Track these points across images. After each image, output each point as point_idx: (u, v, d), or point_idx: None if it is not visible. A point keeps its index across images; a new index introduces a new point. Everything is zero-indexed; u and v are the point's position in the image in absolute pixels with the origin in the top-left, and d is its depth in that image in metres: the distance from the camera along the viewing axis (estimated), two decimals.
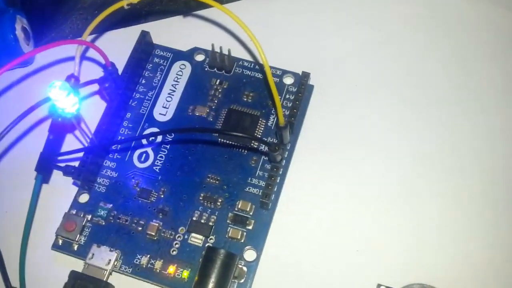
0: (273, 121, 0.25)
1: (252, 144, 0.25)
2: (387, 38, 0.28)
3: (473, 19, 0.28)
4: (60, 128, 0.23)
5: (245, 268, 0.23)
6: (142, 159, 0.26)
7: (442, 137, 0.26)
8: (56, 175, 0.26)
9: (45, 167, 0.23)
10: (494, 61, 0.27)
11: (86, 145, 0.25)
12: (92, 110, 0.25)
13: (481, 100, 0.26)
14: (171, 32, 0.29)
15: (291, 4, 0.29)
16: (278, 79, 0.27)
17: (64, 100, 0.20)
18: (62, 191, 0.26)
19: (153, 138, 0.26)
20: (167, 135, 0.26)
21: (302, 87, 0.26)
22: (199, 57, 0.28)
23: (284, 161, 0.25)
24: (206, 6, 0.26)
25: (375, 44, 0.28)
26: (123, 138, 0.26)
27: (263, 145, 0.24)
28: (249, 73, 0.27)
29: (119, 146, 0.26)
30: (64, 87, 0.20)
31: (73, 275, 0.23)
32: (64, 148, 0.26)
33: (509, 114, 0.26)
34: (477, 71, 0.27)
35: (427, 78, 0.27)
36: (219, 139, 0.26)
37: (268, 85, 0.22)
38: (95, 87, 0.26)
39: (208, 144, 0.26)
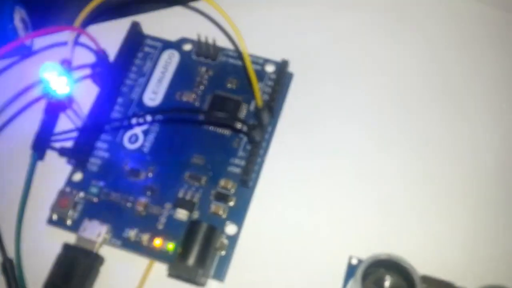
0: (254, 105, 0.27)
1: (234, 127, 0.26)
2: (367, 28, 0.30)
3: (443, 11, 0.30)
4: (55, 109, 0.24)
5: (226, 241, 0.25)
6: (133, 140, 0.27)
7: (419, 117, 0.27)
8: (51, 155, 0.27)
9: (40, 145, 0.25)
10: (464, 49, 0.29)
11: (79, 126, 0.26)
12: (85, 95, 0.27)
13: (456, 85, 0.28)
14: (161, 23, 0.30)
15: None
16: (260, 67, 0.28)
17: (56, 81, 0.22)
18: (56, 170, 0.26)
19: (143, 121, 0.27)
20: (156, 118, 0.27)
21: (281, 73, 0.27)
22: (187, 47, 0.29)
23: (263, 142, 0.26)
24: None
25: (354, 33, 0.30)
26: (114, 119, 0.27)
27: (245, 127, 0.26)
28: (233, 62, 0.28)
29: (110, 128, 0.27)
30: (56, 68, 0.22)
31: (66, 247, 0.25)
32: (59, 129, 0.27)
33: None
34: (451, 59, 0.29)
35: (406, 65, 0.29)
36: (205, 123, 0.27)
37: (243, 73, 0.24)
38: (88, 72, 0.27)
39: (193, 127, 0.27)
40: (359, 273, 0.22)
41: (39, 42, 0.30)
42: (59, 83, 0.22)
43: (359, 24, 0.30)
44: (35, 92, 0.25)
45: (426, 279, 0.23)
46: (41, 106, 0.26)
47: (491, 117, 0.27)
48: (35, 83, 0.22)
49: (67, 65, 0.23)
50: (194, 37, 0.29)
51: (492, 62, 0.28)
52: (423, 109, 0.27)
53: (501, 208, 0.25)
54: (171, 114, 0.27)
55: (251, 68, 0.23)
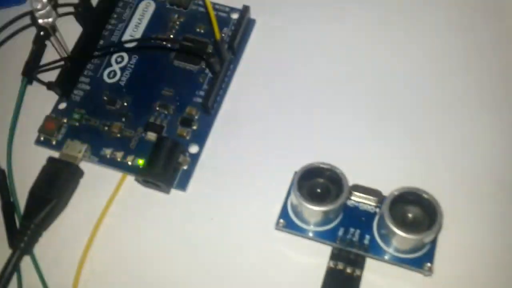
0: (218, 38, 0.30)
1: (197, 54, 0.30)
2: None
3: None
4: (42, 40, 0.28)
5: (188, 159, 0.28)
6: (111, 75, 0.31)
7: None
8: (40, 86, 0.30)
9: (30, 73, 0.29)
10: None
11: (64, 58, 0.29)
12: (69, 31, 0.30)
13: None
14: None
15: None
16: (226, 15, 0.32)
17: (44, 11, 0.26)
18: (44, 99, 0.30)
19: (120, 59, 0.31)
20: (131, 52, 0.31)
21: (242, 18, 0.31)
22: None
23: (224, 76, 0.30)
24: None
25: None
26: (95, 55, 0.31)
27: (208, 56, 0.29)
28: (202, 10, 0.32)
29: (92, 64, 0.31)
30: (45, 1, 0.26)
31: (50, 159, 0.28)
32: (46, 59, 0.30)
33: None
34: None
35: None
36: (174, 60, 0.31)
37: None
38: (72, 10, 0.30)
39: (165, 63, 0.31)
40: (294, 179, 0.26)
41: None
42: (46, 11, 0.26)
43: None
44: (24, 21, 0.29)
45: (356, 187, 0.27)
46: (30, 35, 0.30)
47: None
48: (25, 12, 0.26)
49: (53, 0, 0.27)
50: None
51: None
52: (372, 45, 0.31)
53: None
54: (146, 47, 0.30)
55: (209, 5, 0.27)
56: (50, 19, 0.26)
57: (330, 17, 0.32)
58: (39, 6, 0.25)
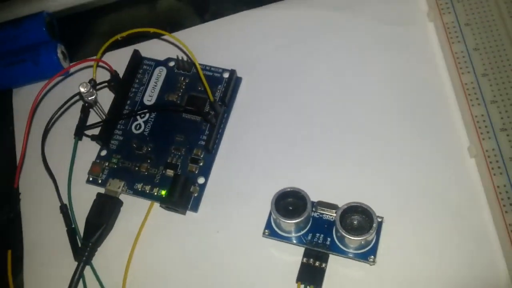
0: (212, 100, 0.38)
1: (198, 114, 0.39)
2: (298, 40, 0.42)
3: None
4: (87, 109, 0.38)
5: (198, 188, 0.37)
6: (137, 127, 0.40)
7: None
8: (87, 140, 0.39)
9: (79, 133, 0.38)
10: None
11: (102, 119, 0.39)
12: (106, 100, 0.39)
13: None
14: (153, 49, 0.42)
15: (227, 25, 0.43)
16: (219, 75, 0.40)
17: (88, 92, 0.35)
18: (90, 149, 0.39)
19: (143, 113, 0.40)
20: (151, 112, 0.40)
21: (231, 78, 0.39)
22: (171, 64, 0.41)
23: (220, 124, 0.38)
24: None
25: (290, 46, 0.42)
26: (124, 114, 0.40)
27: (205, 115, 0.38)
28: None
29: (123, 120, 0.40)
30: (87, 85, 0.35)
31: (99, 195, 0.37)
32: (91, 121, 0.40)
33: None
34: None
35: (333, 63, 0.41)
36: (181, 112, 0.39)
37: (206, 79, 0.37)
38: (106, 85, 0.40)
39: (176, 117, 0.39)
40: (272, 201, 0.34)
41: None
42: (89, 94, 0.35)
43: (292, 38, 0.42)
44: (74, 99, 0.38)
45: (319, 202, 0.35)
46: (79, 107, 0.39)
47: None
48: (75, 94, 0.35)
49: (93, 82, 0.37)
50: (175, 56, 0.41)
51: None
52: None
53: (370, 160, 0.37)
54: (160, 108, 0.39)
55: (203, 77, 0.36)
56: (92, 97, 0.36)
57: (298, 71, 0.40)
58: (84, 90, 0.35)
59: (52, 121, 0.36)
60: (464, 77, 0.37)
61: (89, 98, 0.35)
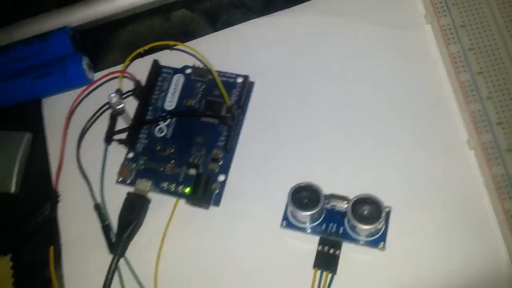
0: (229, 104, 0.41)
1: (216, 118, 0.41)
2: (305, 45, 0.45)
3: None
4: (115, 116, 0.41)
5: (219, 185, 0.40)
6: (160, 131, 0.42)
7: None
8: (115, 144, 0.42)
9: (109, 138, 0.42)
10: None
11: (129, 125, 0.42)
12: (131, 106, 0.42)
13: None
14: (171, 57, 0.45)
15: (238, 33, 0.46)
16: (233, 80, 0.43)
17: (116, 100, 0.39)
18: (119, 153, 0.42)
19: (166, 118, 0.42)
20: (173, 117, 0.42)
21: (245, 83, 0.42)
22: (188, 71, 0.44)
23: (237, 125, 0.41)
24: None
25: (298, 50, 0.45)
26: (148, 119, 0.43)
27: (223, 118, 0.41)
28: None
29: (147, 125, 0.43)
30: (116, 95, 0.38)
31: (129, 194, 0.40)
32: (118, 127, 0.42)
33: None
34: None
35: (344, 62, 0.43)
36: (202, 118, 0.42)
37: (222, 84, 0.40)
38: (131, 93, 0.43)
39: (196, 121, 0.42)
40: (289, 195, 0.37)
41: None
42: (117, 101, 0.38)
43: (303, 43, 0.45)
44: (103, 108, 0.42)
45: (331, 195, 0.38)
46: (107, 115, 0.42)
47: None
48: (105, 104, 0.39)
49: (119, 92, 0.40)
50: (192, 64, 0.44)
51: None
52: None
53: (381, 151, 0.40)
54: (180, 113, 0.42)
55: (219, 83, 0.39)
56: (120, 106, 0.39)
57: (306, 74, 0.43)
58: (113, 100, 0.38)
59: (86, 128, 0.39)
60: (461, 75, 0.40)
61: (118, 107, 0.38)
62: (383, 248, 0.36)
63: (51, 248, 0.39)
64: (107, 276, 0.38)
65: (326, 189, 0.37)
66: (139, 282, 0.38)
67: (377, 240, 0.36)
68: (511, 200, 0.36)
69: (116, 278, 0.38)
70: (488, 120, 0.38)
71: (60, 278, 0.40)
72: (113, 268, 0.38)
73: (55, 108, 0.46)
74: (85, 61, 0.45)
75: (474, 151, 0.39)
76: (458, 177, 0.38)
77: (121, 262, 0.39)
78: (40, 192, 0.44)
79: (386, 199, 0.36)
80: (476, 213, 0.37)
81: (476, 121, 0.38)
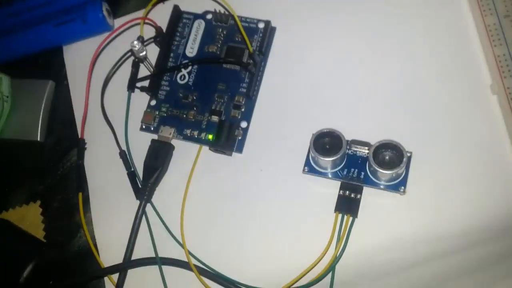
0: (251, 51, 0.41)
1: (239, 64, 0.41)
2: None
3: None
4: (138, 63, 0.41)
5: (241, 131, 0.41)
6: (182, 78, 0.43)
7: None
8: (137, 92, 0.43)
9: (132, 86, 0.42)
10: None
11: (151, 73, 0.42)
12: (152, 54, 0.42)
13: None
14: (192, 3, 0.44)
15: None
16: (255, 25, 0.42)
17: (139, 49, 0.38)
18: (142, 100, 0.42)
19: (187, 66, 0.42)
20: (194, 64, 0.42)
21: (266, 28, 0.42)
22: (209, 16, 0.44)
23: (259, 72, 0.41)
24: None
25: None
26: (170, 67, 0.43)
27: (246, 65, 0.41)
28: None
29: (169, 72, 0.43)
30: (139, 42, 0.38)
31: (153, 140, 0.41)
32: (140, 75, 0.43)
33: None
34: None
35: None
36: (223, 64, 0.42)
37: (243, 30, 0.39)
38: (152, 40, 0.43)
39: (217, 67, 0.42)
40: (311, 141, 0.38)
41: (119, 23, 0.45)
42: (140, 49, 0.38)
43: None
44: (127, 55, 0.42)
45: (353, 141, 0.39)
46: (129, 63, 0.42)
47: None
48: (128, 51, 0.38)
49: (141, 39, 0.39)
50: (212, 9, 0.43)
51: None
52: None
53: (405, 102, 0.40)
54: (202, 60, 0.42)
55: (242, 29, 0.39)
56: (143, 53, 0.39)
57: (329, 20, 0.42)
58: (137, 47, 0.38)
59: (109, 76, 0.40)
60: (487, 19, 0.39)
61: (140, 54, 0.38)
62: (404, 192, 0.37)
63: (80, 194, 0.40)
64: (134, 221, 0.39)
65: (347, 135, 0.37)
66: (165, 226, 0.40)
67: (398, 185, 0.37)
68: None
69: (143, 222, 0.40)
70: None
71: (89, 223, 0.41)
72: (140, 213, 0.39)
73: (76, 55, 0.46)
74: (104, 7, 0.45)
75: (497, 95, 0.38)
76: (480, 121, 0.38)
77: (148, 207, 0.40)
78: (65, 140, 0.45)
79: (407, 144, 0.36)
80: (497, 159, 0.37)
81: (500, 65, 0.38)
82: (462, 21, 0.41)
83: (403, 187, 0.37)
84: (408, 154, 0.37)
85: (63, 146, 0.44)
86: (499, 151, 0.37)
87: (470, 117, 0.38)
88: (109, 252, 0.40)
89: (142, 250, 0.39)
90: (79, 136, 0.41)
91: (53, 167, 0.44)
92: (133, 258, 0.39)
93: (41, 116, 0.45)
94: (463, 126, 0.38)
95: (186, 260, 0.38)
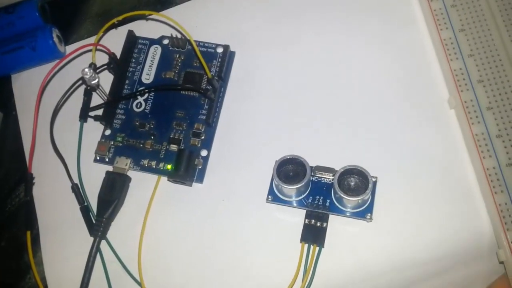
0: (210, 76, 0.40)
1: (198, 91, 0.40)
2: (286, 13, 0.43)
3: None
4: (90, 92, 0.39)
5: (201, 160, 0.39)
6: (138, 106, 0.41)
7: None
8: (91, 121, 0.40)
9: (84, 115, 0.39)
10: None
11: (105, 101, 0.40)
12: (106, 81, 0.40)
13: None
14: (147, 28, 0.43)
15: (216, 1, 0.44)
16: (213, 50, 0.41)
17: (91, 77, 0.36)
18: (95, 130, 0.40)
19: (143, 93, 0.40)
20: (151, 91, 0.41)
21: (225, 52, 0.40)
22: (165, 41, 0.42)
23: (218, 97, 0.40)
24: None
25: (279, 19, 0.43)
26: (125, 94, 0.41)
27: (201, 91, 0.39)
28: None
29: (123, 100, 0.41)
30: (90, 70, 0.36)
31: (108, 173, 0.39)
32: (93, 103, 0.41)
33: None
34: None
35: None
36: (181, 91, 0.41)
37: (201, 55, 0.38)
38: (105, 67, 0.41)
39: (175, 94, 0.40)
40: (274, 168, 0.36)
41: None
42: (92, 76, 0.36)
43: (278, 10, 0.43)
44: (78, 83, 0.39)
45: (317, 167, 0.37)
46: (81, 91, 0.40)
47: None
48: (79, 79, 0.36)
49: (93, 66, 0.37)
50: (168, 34, 0.41)
51: None
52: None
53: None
54: (159, 87, 0.40)
55: (199, 54, 0.37)
56: (95, 81, 0.37)
57: (288, 43, 0.41)
58: (88, 75, 0.36)
59: (59, 105, 0.37)
60: (443, 33, 0.39)
61: (92, 82, 0.36)
62: (370, 219, 0.35)
63: (28, 233, 0.37)
64: (88, 259, 0.37)
65: (311, 161, 0.36)
66: (122, 263, 0.37)
67: (364, 212, 0.36)
68: (491, 158, 0.35)
69: (98, 260, 0.37)
70: (469, 78, 0.37)
71: (39, 263, 0.38)
72: (94, 250, 0.37)
73: (25, 84, 0.44)
74: (55, 33, 0.43)
75: (454, 110, 0.38)
76: (440, 139, 0.38)
77: (103, 243, 0.38)
78: (14, 173, 0.42)
79: (372, 169, 0.35)
80: (458, 176, 0.37)
81: (457, 79, 0.38)
82: (418, 36, 0.40)
83: (369, 214, 0.36)
84: (374, 180, 0.36)
85: (11, 180, 0.42)
86: (459, 168, 0.37)
87: (431, 136, 0.38)
88: None
89: None
90: (28, 170, 0.38)
91: (0, 203, 0.41)
92: None
93: None
94: (424, 146, 0.38)
95: None
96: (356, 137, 0.38)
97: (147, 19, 0.42)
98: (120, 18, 0.37)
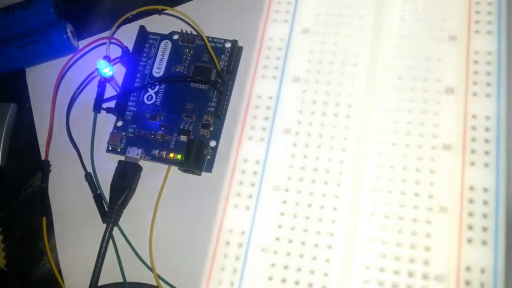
0: (219, 69, 0.41)
1: (207, 83, 0.41)
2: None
3: None
4: (104, 84, 0.40)
5: (210, 151, 0.40)
6: (149, 98, 0.42)
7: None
8: (103, 113, 0.42)
9: (97, 107, 0.40)
10: None
11: (118, 93, 0.41)
12: (119, 74, 0.41)
13: None
14: (157, 23, 0.44)
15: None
16: (221, 45, 0.42)
17: (104, 68, 0.37)
18: (108, 121, 0.41)
19: (154, 85, 0.42)
20: (161, 83, 0.42)
21: (233, 47, 0.41)
22: (175, 37, 0.43)
23: (227, 90, 0.41)
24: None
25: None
26: (137, 86, 0.42)
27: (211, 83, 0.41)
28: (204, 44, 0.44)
29: (135, 92, 0.42)
30: (105, 62, 0.37)
31: (120, 162, 0.40)
32: (106, 95, 0.41)
33: None
34: None
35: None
36: (191, 83, 0.42)
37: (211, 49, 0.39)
38: (118, 60, 0.42)
39: (185, 86, 0.41)
40: None
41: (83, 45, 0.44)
42: (105, 68, 0.37)
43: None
44: (91, 76, 0.41)
45: None
46: (95, 82, 0.41)
47: None
48: (94, 70, 0.38)
49: (107, 58, 0.39)
50: (178, 30, 0.43)
51: None
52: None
53: None
54: (170, 79, 0.42)
55: (210, 48, 0.38)
56: (110, 73, 0.38)
57: None
58: (103, 67, 0.37)
59: (74, 97, 0.38)
60: None
61: (107, 74, 0.37)
62: None
63: (44, 219, 0.38)
64: (101, 245, 0.37)
65: None
66: (133, 250, 0.38)
67: None
68: None
69: (110, 246, 0.38)
70: None
71: (53, 249, 0.39)
72: (107, 237, 0.38)
73: (39, 78, 0.45)
74: (69, 28, 0.44)
75: None
76: None
77: (115, 230, 0.39)
78: (27, 164, 0.43)
79: None
80: None
81: None
82: None
83: None
84: None
85: (25, 170, 0.43)
86: None
87: None
88: (75, 279, 0.38)
89: (109, 275, 0.37)
90: (43, 158, 0.39)
91: (15, 192, 0.42)
92: (100, 284, 0.37)
93: (2, 140, 0.43)
94: None
95: (155, 284, 0.36)
96: None
97: (161, 14, 0.43)
98: (134, 12, 0.38)
